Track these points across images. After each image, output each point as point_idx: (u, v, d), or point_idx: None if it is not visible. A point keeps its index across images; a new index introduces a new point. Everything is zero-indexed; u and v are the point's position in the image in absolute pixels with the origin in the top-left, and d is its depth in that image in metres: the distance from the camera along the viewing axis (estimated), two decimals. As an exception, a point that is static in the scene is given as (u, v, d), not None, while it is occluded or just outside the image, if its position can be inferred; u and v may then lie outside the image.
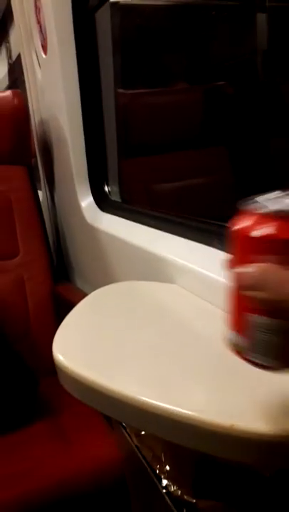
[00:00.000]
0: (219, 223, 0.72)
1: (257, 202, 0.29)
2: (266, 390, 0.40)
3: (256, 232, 0.28)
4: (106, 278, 0.99)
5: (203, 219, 0.76)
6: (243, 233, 0.28)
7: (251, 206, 0.28)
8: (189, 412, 0.38)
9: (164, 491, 0.51)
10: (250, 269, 0.28)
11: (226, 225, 0.70)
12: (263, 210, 0.27)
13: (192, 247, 0.70)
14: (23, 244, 1.15)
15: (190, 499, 0.49)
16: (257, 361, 0.31)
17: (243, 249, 0.29)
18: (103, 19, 1.00)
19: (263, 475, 0.49)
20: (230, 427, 0.36)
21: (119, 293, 0.69)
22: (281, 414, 0.36)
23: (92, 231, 1.04)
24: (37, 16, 1.11)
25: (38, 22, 1.11)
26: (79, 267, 1.26)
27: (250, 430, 0.35)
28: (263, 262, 0.27)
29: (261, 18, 1.32)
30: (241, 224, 0.28)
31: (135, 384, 0.42)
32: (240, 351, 0.32)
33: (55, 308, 1.14)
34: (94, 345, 0.51)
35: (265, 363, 0.31)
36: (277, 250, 0.27)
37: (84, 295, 0.65)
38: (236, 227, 0.29)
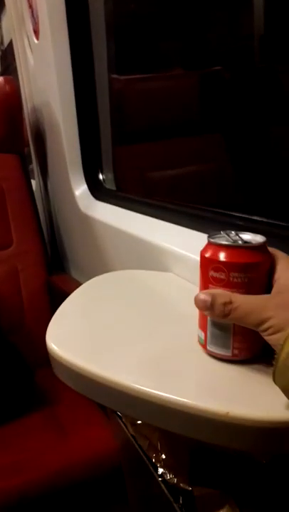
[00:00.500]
0: (214, 210, 0.71)
1: (218, 236, 0.42)
2: (261, 377, 0.40)
3: (207, 254, 0.41)
4: (101, 267, 0.98)
5: (198, 206, 0.75)
6: (203, 254, 0.42)
7: (213, 239, 0.41)
8: (184, 400, 0.37)
9: (160, 479, 0.51)
10: (202, 296, 0.40)
11: (221, 211, 0.69)
12: (217, 242, 0.41)
13: (187, 234, 0.69)
14: (17, 234, 1.14)
15: (186, 487, 0.49)
16: (213, 351, 0.42)
17: (202, 264, 0.42)
18: (96, 3, 0.98)
19: (259, 461, 0.49)
20: (226, 414, 0.35)
21: (113, 282, 0.68)
22: (276, 401, 0.36)
23: (86, 220, 1.03)
24: (28, 0, 1.08)
25: (30, 6, 1.09)
26: (73, 257, 1.25)
27: (245, 417, 0.35)
28: (212, 275, 0.41)
29: (258, 2, 1.30)
30: (204, 249, 0.42)
31: (129, 372, 0.42)
32: (202, 344, 0.43)
33: (50, 299, 1.14)
34: (88, 334, 0.50)
35: (219, 352, 0.42)
36: (220, 268, 0.40)
37: (79, 285, 0.64)
38: (201, 251, 0.42)
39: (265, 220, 0.60)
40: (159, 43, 1.40)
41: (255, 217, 0.61)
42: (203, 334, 0.42)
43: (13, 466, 0.78)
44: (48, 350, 0.47)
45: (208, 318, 0.41)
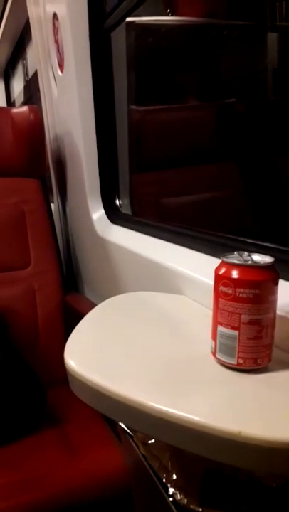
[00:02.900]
0: (228, 236, 0.73)
1: (231, 256, 0.46)
2: (273, 397, 0.41)
3: (219, 271, 0.46)
4: (115, 289, 1.01)
5: (211, 231, 0.77)
6: (216, 271, 0.46)
7: (225, 258, 0.46)
8: (197, 418, 0.38)
9: (171, 499, 0.51)
10: None
11: (234, 237, 0.72)
12: (227, 260, 0.45)
13: (201, 258, 0.71)
14: (35, 254, 1.18)
15: (196, 508, 0.49)
16: (221, 359, 0.46)
17: (214, 280, 0.46)
18: (118, 38, 1.04)
19: (270, 486, 0.49)
20: (238, 433, 0.36)
21: (129, 303, 0.70)
22: None
23: (102, 243, 1.06)
24: (55, 36, 1.16)
25: (56, 41, 1.16)
26: (89, 278, 1.27)
27: (257, 437, 0.36)
28: (221, 290, 0.45)
29: (272, 37, 1.36)
30: (218, 267, 0.46)
31: (145, 390, 0.43)
32: (213, 352, 0.47)
33: (64, 319, 1.16)
34: (104, 353, 0.52)
35: (226, 361, 0.46)
36: (228, 284, 0.44)
37: (93, 305, 0.66)
38: (215, 268, 0.46)
39: (276, 246, 0.62)
40: (175, 76, 1.47)
41: (266, 244, 0.64)
42: (213, 344, 0.47)
43: (21, 484, 0.79)
44: (66, 366, 0.49)
45: (218, 329, 0.46)
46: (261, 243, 0.64)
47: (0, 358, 0.94)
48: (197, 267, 0.68)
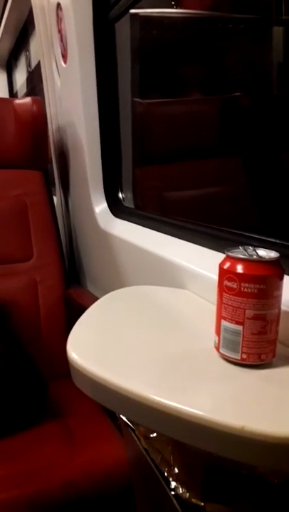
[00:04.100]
0: (231, 230, 0.73)
1: (236, 250, 0.46)
2: (276, 388, 0.41)
3: (223, 266, 0.45)
4: (117, 283, 1.00)
5: (215, 226, 0.77)
6: (221, 266, 0.46)
7: (230, 252, 0.45)
8: (200, 412, 0.38)
9: (172, 493, 0.51)
10: None
11: (237, 232, 0.71)
12: (232, 255, 0.45)
13: (204, 253, 0.71)
14: (37, 247, 1.17)
15: (198, 502, 0.49)
16: (225, 354, 0.46)
17: (219, 274, 0.46)
18: (123, 30, 1.03)
19: (271, 481, 0.49)
20: (241, 428, 0.36)
21: (131, 296, 0.70)
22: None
23: (105, 236, 1.06)
24: (58, 26, 1.14)
25: (59, 32, 1.15)
26: (91, 272, 1.27)
27: (261, 432, 0.36)
28: (226, 285, 0.44)
29: (278, 30, 1.34)
30: (222, 261, 0.46)
31: (147, 384, 0.43)
32: (216, 347, 0.47)
33: (66, 312, 1.16)
34: (107, 346, 0.52)
35: (229, 356, 0.45)
36: (233, 278, 0.44)
37: (95, 299, 0.66)
38: (220, 263, 0.46)
39: (281, 241, 0.61)
40: (179, 68, 1.45)
41: (271, 239, 0.63)
42: (217, 338, 0.47)
43: (23, 477, 0.79)
44: (69, 359, 0.49)
45: (222, 324, 0.45)
46: (266, 238, 0.63)
47: (2, 351, 0.94)
48: (200, 261, 0.68)
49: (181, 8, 1.46)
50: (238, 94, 1.37)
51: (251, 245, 0.47)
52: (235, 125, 1.30)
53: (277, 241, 0.61)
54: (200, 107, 1.39)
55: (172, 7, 1.45)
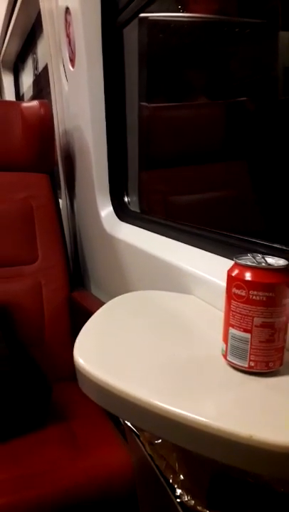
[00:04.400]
0: (237, 236, 0.73)
1: (244, 257, 0.46)
2: (285, 401, 0.41)
3: (232, 273, 0.45)
4: (122, 287, 1.00)
5: (221, 231, 0.77)
6: (229, 273, 0.46)
7: (239, 260, 0.45)
8: (208, 421, 0.38)
9: (178, 500, 0.51)
10: None
11: (244, 238, 0.71)
12: (240, 262, 0.45)
13: (210, 258, 0.71)
14: (42, 250, 1.18)
15: (203, 510, 0.49)
16: (232, 362, 0.46)
17: (227, 281, 0.46)
18: (131, 35, 1.03)
19: (278, 490, 0.49)
20: (249, 437, 0.36)
21: (137, 301, 0.70)
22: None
23: (110, 240, 1.06)
24: (66, 30, 1.15)
25: (67, 36, 1.15)
26: (95, 275, 1.27)
27: (269, 442, 0.36)
28: (234, 292, 0.44)
29: (284, 35, 1.34)
30: (231, 268, 0.46)
31: (153, 390, 0.43)
32: (223, 354, 0.47)
33: (70, 315, 1.16)
34: (114, 351, 0.52)
35: (237, 363, 0.45)
36: (241, 286, 0.44)
37: (100, 303, 0.66)
38: (228, 270, 0.46)
39: (285, 248, 0.61)
40: (186, 73, 1.46)
41: (278, 246, 0.63)
42: (224, 346, 0.47)
43: (25, 480, 0.79)
44: (75, 364, 0.49)
45: (230, 331, 0.45)
46: (274, 245, 0.63)
47: (7, 353, 0.94)
48: (207, 267, 0.68)
49: (187, 12, 1.46)
50: (244, 98, 1.37)
51: (259, 252, 0.47)
52: (241, 129, 1.30)
53: (286, 248, 0.61)
54: (206, 111, 1.40)
55: (179, 11, 1.46)
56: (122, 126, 1.09)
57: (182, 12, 1.46)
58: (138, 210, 1.13)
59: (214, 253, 0.71)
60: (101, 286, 1.23)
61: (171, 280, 0.75)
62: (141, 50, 1.09)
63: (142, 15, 1.06)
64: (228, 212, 1.21)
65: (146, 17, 1.13)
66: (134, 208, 1.13)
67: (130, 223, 1.04)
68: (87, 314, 0.60)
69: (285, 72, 1.35)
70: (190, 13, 1.46)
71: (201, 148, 1.32)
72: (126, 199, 1.12)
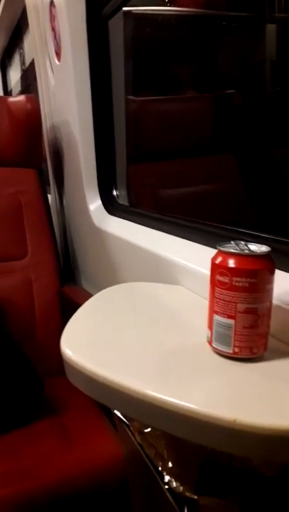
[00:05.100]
0: (224, 226, 0.73)
1: (227, 245, 0.46)
2: (269, 381, 0.42)
3: (215, 260, 0.46)
4: (112, 280, 1.01)
5: (208, 222, 0.77)
6: (213, 260, 0.46)
7: (222, 247, 0.46)
8: (192, 406, 0.39)
9: (166, 487, 0.52)
10: None
11: (230, 228, 0.72)
12: (224, 250, 0.45)
13: (196, 249, 0.72)
14: (32, 245, 1.17)
15: (192, 496, 0.50)
16: (217, 348, 0.46)
17: (211, 269, 0.46)
18: (116, 27, 1.03)
19: (265, 474, 0.50)
20: (234, 421, 0.37)
21: (125, 293, 0.70)
22: (286, 409, 0.37)
23: (99, 234, 1.06)
24: (52, 24, 1.14)
25: (53, 29, 1.14)
26: (86, 269, 1.27)
27: (253, 424, 0.36)
28: (218, 279, 0.45)
29: (271, 28, 1.35)
30: (214, 256, 0.47)
31: (140, 378, 0.44)
32: (209, 341, 0.48)
33: (61, 309, 1.16)
34: (101, 342, 0.52)
35: (221, 349, 0.46)
36: (224, 273, 0.44)
37: (90, 296, 0.66)
38: (212, 257, 0.47)
39: (271, 236, 0.62)
40: (173, 66, 1.45)
41: (262, 234, 0.64)
42: (209, 332, 0.47)
43: (17, 474, 0.79)
44: (62, 355, 0.49)
45: (214, 318, 0.46)
46: (257, 233, 0.64)
47: (-3, 349, 0.94)
48: (194, 257, 0.68)
49: (174, 6, 1.46)
50: (232, 91, 1.38)
51: (243, 240, 0.47)
52: (229, 122, 1.31)
53: (269, 236, 0.62)
54: (194, 104, 1.40)
55: (166, 5, 1.45)
56: (109, 120, 1.09)
57: (169, 6, 1.46)
58: (127, 204, 1.13)
59: (201, 243, 0.72)
60: (91, 280, 1.23)
61: (160, 271, 0.75)
62: (127, 43, 1.09)
63: (126, 8, 1.05)
64: (215, 203, 1.22)
65: (130, 10, 1.13)
66: (123, 201, 1.13)
67: (119, 216, 1.04)
68: (77, 308, 0.61)
69: (272, 64, 1.36)
70: (177, 6, 1.46)
71: (189, 142, 1.33)
72: (114, 192, 1.12)
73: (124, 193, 1.13)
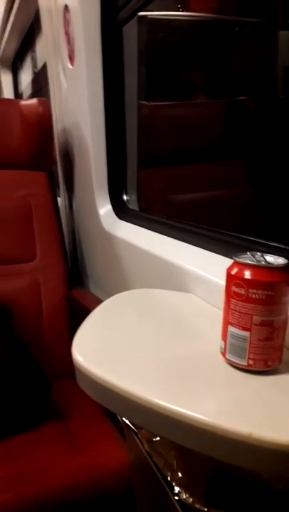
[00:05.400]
0: (236, 234, 0.73)
1: (243, 256, 0.46)
2: (284, 399, 0.41)
3: (231, 271, 0.45)
4: (121, 285, 1.00)
5: (219, 229, 0.77)
6: (228, 271, 0.46)
7: (238, 258, 0.45)
8: (207, 419, 0.38)
9: (176, 498, 0.51)
10: None
11: (243, 236, 0.71)
12: (240, 261, 0.45)
13: (209, 257, 0.71)
14: (41, 248, 1.18)
15: (201, 508, 0.49)
16: (231, 360, 0.46)
17: (226, 280, 0.46)
18: (130, 33, 1.03)
19: (276, 488, 0.49)
20: (249, 435, 0.36)
21: (136, 299, 0.70)
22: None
23: (109, 238, 1.06)
24: (65, 28, 1.15)
25: (66, 33, 1.15)
26: (94, 273, 1.27)
27: (268, 440, 0.36)
28: (233, 290, 0.45)
29: (283, 35, 1.35)
30: (230, 267, 0.46)
31: (152, 388, 0.43)
32: (222, 352, 0.47)
33: (69, 313, 1.16)
34: (112, 349, 0.52)
35: (236, 361, 0.45)
36: (240, 284, 0.44)
37: (98, 301, 0.66)
38: (228, 268, 0.46)
39: (285, 246, 0.61)
40: (185, 72, 1.46)
41: (277, 244, 0.63)
42: (223, 344, 0.47)
43: (22, 478, 0.79)
44: (74, 362, 0.49)
45: (229, 329, 0.45)
46: (272, 243, 0.63)
47: (5, 351, 0.94)
48: (205, 266, 0.68)
49: (187, 11, 1.46)
50: (244, 97, 1.37)
51: (259, 251, 0.47)
52: (241, 128, 1.30)
53: (285, 246, 0.61)
54: (205, 110, 1.40)
55: (179, 10, 1.46)
56: (121, 125, 1.09)
57: (182, 11, 1.46)
58: (137, 209, 1.12)
59: (213, 252, 0.71)
60: (100, 285, 1.23)
61: (170, 278, 0.75)
62: (140, 48, 1.09)
63: (141, 13, 1.06)
64: (227, 210, 1.22)
65: (146, 16, 1.13)
66: (133, 206, 1.13)
67: (129, 222, 1.04)
68: (85, 312, 0.60)
69: (285, 71, 1.35)
70: (190, 12, 1.46)
71: (201, 147, 1.32)
72: (125, 197, 1.12)
73: (134, 197, 1.13)
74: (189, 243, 0.78)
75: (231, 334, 0.45)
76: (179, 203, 1.27)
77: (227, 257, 0.66)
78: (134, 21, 1.03)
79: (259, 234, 0.69)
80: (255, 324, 0.43)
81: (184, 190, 1.30)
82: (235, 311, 0.44)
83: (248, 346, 0.44)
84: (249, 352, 0.44)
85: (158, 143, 1.30)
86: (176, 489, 0.51)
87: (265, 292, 0.42)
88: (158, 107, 1.32)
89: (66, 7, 1.10)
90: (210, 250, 0.72)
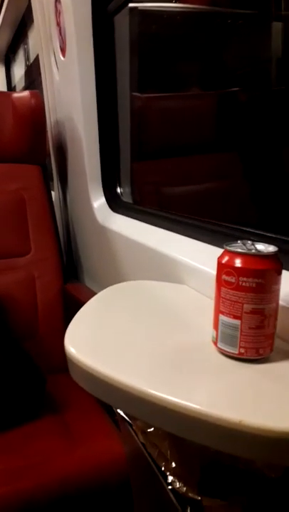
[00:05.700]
0: (230, 225, 0.73)
1: (234, 244, 0.46)
2: (275, 387, 0.41)
3: (222, 260, 0.45)
4: (115, 278, 1.00)
5: (213, 221, 0.77)
6: (219, 260, 0.46)
7: (229, 247, 0.45)
8: (197, 406, 0.38)
9: (169, 487, 0.51)
10: None
11: (236, 227, 0.71)
12: (230, 249, 0.45)
13: (202, 248, 0.71)
14: (35, 242, 1.17)
15: (195, 496, 0.49)
16: (223, 348, 0.46)
17: (217, 269, 0.46)
18: (122, 23, 1.02)
19: (268, 476, 0.49)
20: (239, 422, 0.36)
21: (129, 291, 0.69)
22: (289, 411, 0.37)
23: (103, 231, 1.06)
24: (57, 19, 1.13)
25: (58, 25, 1.14)
26: (89, 267, 1.27)
27: (258, 426, 0.36)
28: (224, 279, 0.45)
29: (277, 26, 1.34)
30: (221, 256, 0.46)
31: (144, 377, 0.43)
32: (214, 341, 0.47)
33: (64, 307, 1.16)
34: (105, 340, 0.52)
35: (227, 350, 0.45)
36: (231, 272, 0.44)
37: (93, 294, 0.66)
38: (218, 257, 0.46)
39: (276, 236, 0.61)
40: (177, 63, 1.45)
41: (269, 234, 0.63)
42: (215, 333, 0.47)
43: (19, 471, 0.79)
44: (66, 353, 0.49)
45: (220, 318, 0.45)
46: (264, 233, 0.63)
47: (-1, 345, 0.94)
48: (198, 257, 0.68)
49: (180, 2, 1.45)
50: (237, 89, 1.37)
51: (250, 240, 0.47)
52: (234, 120, 1.30)
53: (276, 236, 0.61)
54: (199, 101, 1.39)
55: (172, 1, 1.44)
56: (113, 117, 1.08)
57: (175, 2, 1.45)
58: (131, 201, 1.12)
59: (206, 243, 0.71)
60: (94, 278, 1.23)
61: (164, 270, 0.75)
62: (132, 39, 1.08)
63: (132, 4, 1.04)
64: (220, 202, 1.21)
65: (137, 7, 1.12)
66: (127, 198, 1.12)
67: (123, 214, 1.04)
68: (80, 306, 0.60)
69: (278, 62, 1.34)
70: (183, 3, 1.45)
71: (194, 139, 1.32)
72: (118, 190, 1.12)
73: (128, 190, 1.12)
74: (182, 234, 0.78)
75: (222, 323, 0.45)
76: (172, 196, 1.27)
77: (220, 247, 0.66)
78: (125, 12, 1.02)
79: (251, 224, 0.69)
80: (246, 312, 0.43)
81: (177, 183, 1.29)
82: (226, 299, 0.44)
83: (239, 335, 0.44)
84: (240, 340, 0.44)
85: (151, 135, 1.30)
86: (170, 478, 0.52)
87: (256, 280, 0.42)
88: (151, 99, 1.31)
89: (57, -2, 1.09)
90: (203, 241, 0.72)
